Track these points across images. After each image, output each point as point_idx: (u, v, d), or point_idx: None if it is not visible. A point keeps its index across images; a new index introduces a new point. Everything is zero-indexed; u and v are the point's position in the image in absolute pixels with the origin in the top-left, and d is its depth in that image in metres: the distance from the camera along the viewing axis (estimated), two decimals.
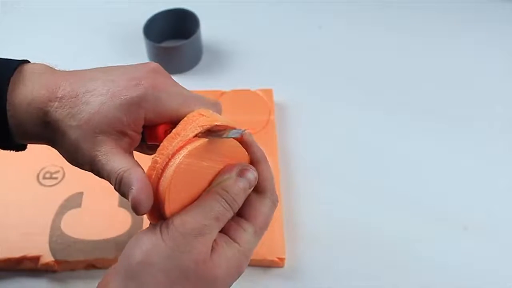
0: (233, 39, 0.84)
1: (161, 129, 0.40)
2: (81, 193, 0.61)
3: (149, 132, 0.40)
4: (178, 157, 0.37)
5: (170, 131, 0.38)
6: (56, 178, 0.63)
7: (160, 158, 0.37)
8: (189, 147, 0.37)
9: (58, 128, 0.38)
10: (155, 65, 0.42)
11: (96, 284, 0.37)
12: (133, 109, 0.38)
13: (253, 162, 0.41)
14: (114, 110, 0.38)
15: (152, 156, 0.37)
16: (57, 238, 0.58)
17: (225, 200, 0.38)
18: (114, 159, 0.37)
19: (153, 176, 0.37)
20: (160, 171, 0.37)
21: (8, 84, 0.39)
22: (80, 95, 0.38)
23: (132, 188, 0.36)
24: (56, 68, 0.42)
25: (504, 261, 0.57)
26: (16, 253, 0.56)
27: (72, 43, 0.84)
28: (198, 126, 0.38)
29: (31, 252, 0.57)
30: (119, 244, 0.57)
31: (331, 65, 0.79)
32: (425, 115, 0.71)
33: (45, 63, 0.42)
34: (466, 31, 0.83)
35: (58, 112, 0.38)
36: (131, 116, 0.38)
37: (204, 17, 0.79)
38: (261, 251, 0.56)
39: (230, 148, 0.40)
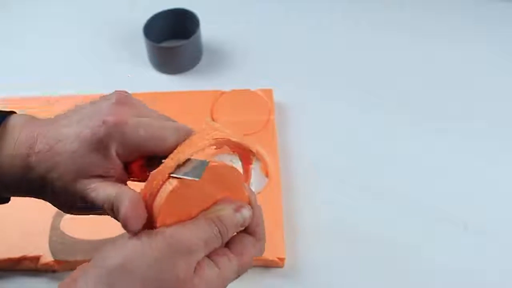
0: (233, 39, 0.84)
1: (135, 165, 0.40)
2: None
3: (128, 169, 0.40)
4: (175, 179, 0.36)
5: (146, 167, 0.39)
6: None
7: (158, 176, 0.37)
8: (167, 186, 0.37)
9: (44, 183, 0.39)
10: (120, 95, 0.41)
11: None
12: (102, 150, 0.38)
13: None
14: (86, 155, 0.38)
15: (151, 172, 0.37)
16: (57, 238, 0.58)
17: (218, 228, 0.38)
18: (103, 190, 0.37)
19: (148, 194, 0.37)
20: (156, 190, 0.37)
21: None
22: (54, 147, 0.38)
23: (121, 208, 0.35)
24: (37, 118, 0.42)
25: (504, 261, 0.57)
26: (16, 253, 0.56)
27: (72, 43, 0.85)
28: (204, 142, 0.38)
29: (31, 252, 0.57)
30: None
31: (331, 65, 0.79)
32: (425, 114, 0.71)
33: (27, 114, 0.42)
34: (466, 31, 0.83)
35: (38, 167, 0.39)
36: (104, 157, 0.38)
37: (204, 17, 0.79)
38: None
39: (231, 180, 0.40)
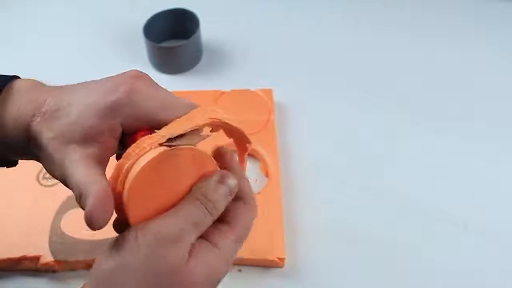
0: (233, 39, 0.84)
1: (140, 135, 0.38)
2: None
3: (128, 139, 0.39)
4: (141, 162, 0.35)
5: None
6: None
7: (125, 162, 0.35)
8: (152, 153, 0.35)
9: (38, 141, 0.38)
10: (137, 71, 0.40)
11: None
12: (108, 115, 0.37)
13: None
14: (90, 118, 0.37)
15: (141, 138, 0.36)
16: (57, 238, 0.58)
17: (205, 206, 0.37)
18: (79, 171, 0.36)
19: (118, 183, 0.36)
20: (124, 178, 0.35)
21: None
22: (62, 108, 0.38)
23: (87, 203, 0.34)
24: (45, 84, 0.42)
25: (504, 261, 0.57)
26: (16, 253, 0.56)
27: (72, 43, 0.85)
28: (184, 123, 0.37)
29: (31, 252, 0.57)
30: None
31: (331, 65, 0.79)
32: (425, 115, 0.71)
33: (34, 79, 0.42)
34: (466, 31, 0.83)
35: (39, 125, 0.38)
36: (106, 122, 0.37)
37: (204, 17, 0.79)
38: (261, 251, 0.56)
39: (199, 157, 0.38)
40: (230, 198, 0.38)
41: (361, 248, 0.58)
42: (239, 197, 0.39)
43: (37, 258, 0.56)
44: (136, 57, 0.81)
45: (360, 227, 0.60)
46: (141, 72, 0.40)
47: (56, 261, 0.56)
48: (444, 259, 0.57)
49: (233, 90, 0.72)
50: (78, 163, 0.36)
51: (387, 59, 0.80)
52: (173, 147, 0.36)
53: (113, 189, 0.36)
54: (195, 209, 0.36)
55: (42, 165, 0.40)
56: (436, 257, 0.58)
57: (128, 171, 0.35)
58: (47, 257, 0.56)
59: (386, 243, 0.59)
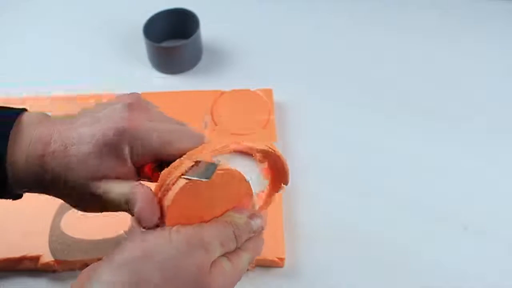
0: (233, 39, 0.84)
1: (147, 168, 0.41)
2: None
3: (140, 172, 0.41)
4: (171, 194, 0.37)
5: (158, 170, 0.39)
6: None
7: (170, 174, 0.38)
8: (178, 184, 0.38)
9: (57, 181, 0.40)
10: (132, 99, 0.42)
11: None
12: (115, 154, 0.39)
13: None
14: (99, 158, 0.39)
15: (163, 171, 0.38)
16: (57, 238, 0.58)
17: (234, 234, 0.40)
18: (118, 188, 0.39)
19: (160, 192, 0.38)
20: (167, 188, 0.38)
21: (7, 143, 0.40)
22: (68, 148, 0.39)
23: (137, 203, 0.37)
24: (50, 117, 0.43)
25: (504, 261, 0.57)
26: (16, 253, 0.56)
27: (72, 43, 0.85)
28: (215, 150, 0.40)
29: (31, 252, 0.57)
30: (119, 244, 0.57)
31: (331, 65, 0.79)
32: (425, 115, 0.71)
33: (40, 112, 0.43)
34: (466, 31, 0.83)
35: (52, 167, 0.40)
36: (117, 161, 0.40)
37: (204, 17, 0.79)
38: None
39: (238, 185, 0.41)
40: (252, 235, 0.42)
41: (361, 248, 0.58)
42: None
43: (37, 258, 0.56)
44: (136, 57, 0.81)
45: (360, 227, 0.60)
46: (137, 98, 0.43)
47: (56, 261, 0.56)
48: (444, 259, 0.57)
49: (233, 90, 0.72)
50: (113, 184, 0.39)
51: (387, 59, 0.80)
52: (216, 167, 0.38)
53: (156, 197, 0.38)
54: (227, 232, 0.39)
55: (63, 199, 0.43)
56: (436, 257, 0.58)
57: (172, 183, 0.38)
58: (47, 257, 0.56)
59: (386, 243, 0.59)
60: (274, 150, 0.42)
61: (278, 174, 0.45)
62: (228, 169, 0.39)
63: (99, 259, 0.55)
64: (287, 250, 0.57)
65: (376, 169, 0.66)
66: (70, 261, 0.57)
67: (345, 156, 0.67)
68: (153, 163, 0.41)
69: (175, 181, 0.37)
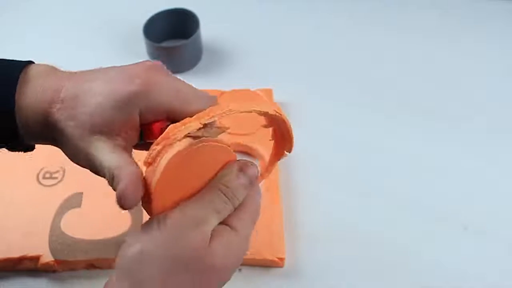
0: (233, 39, 0.84)
1: (156, 126, 0.39)
2: (81, 193, 0.61)
3: (146, 129, 0.40)
4: (169, 154, 0.36)
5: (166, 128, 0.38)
6: (56, 178, 0.63)
7: (155, 149, 0.37)
8: (179, 145, 0.37)
9: (59, 129, 0.39)
10: (154, 62, 0.42)
11: (95, 284, 0.38)
12: (126, 107, 0.38)
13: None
14: (109, 110, 0.38)
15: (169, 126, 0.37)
16: (57, 238, 0.58)
17: (225, 195, 0.38)
18: (109, 157, 0.37)
19: (159, 145, 0.37)
20: (173, 142, 0.37)
21: (16, 88, 0.39)
22: (80, 96, 0.38)
23: (120, 184, 0.36)
24: (59, 69, 0.43)
25: (504, 261, 0.57)
26: (16, 253, 0.56)
27: (72, 43, 0.84)
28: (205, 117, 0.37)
29: (31, 252, 0.57)
30: (119, 243, 0.56)
31: (331, 65, 0.79)
32: (425, 115, 0.71)
33: (48, 64, 0.43)
34: (466, 31, 0.83)
35: (59, 113, 0.38)
36: (125, 115, 0.38)
37: (204, 17, 0.79)
38: (261, 251, 0.56)
39: (223, 150, 0.40)
40: (250, 187, 0.40)
41: (361, 248, 0.58)
42: None
43: (37, 258, 0.56)
44: (136, 57, 0.80)
45: (360, 227, 0.60)
46: (158, 63, 0.42)
47: (56, 261, 0.56)
48: (444, 259, 0.57)
49: (233, 90, 0.72)
50: (106, 150, 0.38)
51: (387, 59, 0.80)
52: (199, 140, 0.37)
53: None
54: (217, 197, 0.38)
55: (62, 151, 0.41)
56: (436, 257, 0.58)
57: (177, 139, 0.36)
58: (47, 257, 0.56)
59: (386, 243, 0.59)
60: (280, 114, 0.41)
61: (282, 140, 0.44)
62: (217, 142, 0.38)
63: (99, 259, 0.56)
64: (287, 250, 0.57)
65: (376, 169, 0.66)
66: (70, 261, 0.57)
67: (345, 156, 0.67)
68: (163, 122, 0.39)
69: (181, 139, 0.37)
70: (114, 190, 0.37)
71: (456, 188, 0.63)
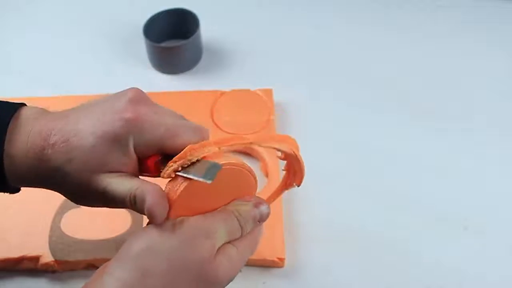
0: (233, 39, 0.84)
1: (150, 161, 0.40)
2: None
3: (141, 165, 0.41)
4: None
5: (160, 162, 0.40)
6: None
7: (171, 166, 0.38)
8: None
9: (57, 174, 0.39)
10: (134, 93, 0.41)
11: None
12: (120, 146, 0.39)
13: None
14: (103, 150, 0.39)
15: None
16: (56, 238, 0.58)
17: (238, 221, 0.40)
18: (122, 184, 0.39)
19: (176, 164, 0.38)
20: (189, 163, 0.38)
21: (5, 135, 0.39)
22: (70, 140, 0.39)
23: (148, 199, 0.37)
24: (48, 111, 0.43)
25: (504, 261, 0.57)
26: (16, 253, 0.56)
27: (72, 43, 0.84)
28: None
29: (30, 252, 0.57)
30: (119, 244, 0.57)
31: (331, 65, 0.79)
32: (425, 115, 0.71)
33: (39, 107, 0.43)
34: (466, 31, 0.83)
35: (54, 160, 0.39)
36: (122, 153, 0.39)
37: (204, 17, 0.79)
38: (261, 251, 0.56)
39: (246, 179, 0.42)
40: (259, 224, 0.42)
41: (361, 248, 0.58)
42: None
43: (37, 258, 0.56)
44: (136, 57, 0.81)
45: (360, 227, 0.60)
46: (140, 92, 0.42)
47: (56, 261, 0.56)
48: (444, 259, 0.57)
49: (233, 90, 0.72)
50: (115, 180, 0.39)
51: (387, 59, 0.80)
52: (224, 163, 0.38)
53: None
54: (231, 220, 0.40)
55: (60, 193, 0.42)
56: (436, 257, 0.58)
57: (195, 159, 0.38)
58: (47, 257, 0.56)
59: (386, 243, 0.59)
60: (295, 153, 0.43)
61: (293, 174, 0.46)
62: (238, 164, 0.40)
63: (99, 259, 0.56)
64: (287, 250, 0.57)
65: (376, 169, 0.66)
66: (70, 261, 0.57)
67: (345, 156, 0.67)
68: (156, 156, 0.40)
69: (200, 159, 0.38)
70: (138, 210, 0.38)
71: (456, 188, 0.63)
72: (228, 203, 0.41)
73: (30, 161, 0.39)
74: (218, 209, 0.40)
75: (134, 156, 0.40)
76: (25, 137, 0.39)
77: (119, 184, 0.39)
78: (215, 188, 0.39)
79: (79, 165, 0.38)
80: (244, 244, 0.41)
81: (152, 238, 0.37)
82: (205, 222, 0.38)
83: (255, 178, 0.42)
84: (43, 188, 0.42)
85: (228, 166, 0.39)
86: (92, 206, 0.42)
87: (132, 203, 0.38)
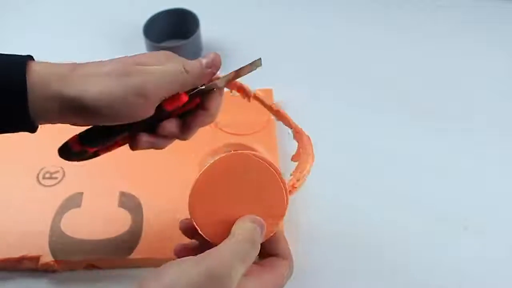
0: (233, 39, 0.84)
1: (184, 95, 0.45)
2: (81, 193, 0.61)
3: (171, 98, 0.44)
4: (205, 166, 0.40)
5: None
6: (56, 178, 0.63)
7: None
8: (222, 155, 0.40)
9: (87, 82, 0.43)
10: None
11: (95, 284, 0.37)
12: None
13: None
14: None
15: None
16: (57, 238, 0.58)
17: (249, 244, 0.39)
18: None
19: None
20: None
21: (25, 68, 0.41)
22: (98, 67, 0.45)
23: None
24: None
25: (504, 261, 0.57)
26: (16, 253, 0.56)
27: (72, 43, 0.84)
28: None
29: (31, 252, 0.57)
30: (118, 244, 0.57)
31: (331, 65, 0.79)
32: (425, 115, 0.71)
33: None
34: (466, 31, 0.83)
35: (73, 83, 0.43)
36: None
37: (204, 17, 0.79)
38: None
39: (273, 186, 0.41)
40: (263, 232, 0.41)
41: (361, 248, 0.58)
42: (277, 254, 0.43)
43: (37, 258, 0.56)
44: None
45: (360, 227, 0.60)
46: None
47: (56, 261, 0.56)
48: (444, 259, 0.57)
49: (233, 90, 0.72)
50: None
51: (387, 59, 0.80)
52: (237, 151, 0.40)
53: None
54: (241, 247, 0.39)
55: (85, 116, 0.43)
56: (436, 257, 0.58)
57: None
58: (47, 257, 0.56)
59: (385, 243, 0.59)
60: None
61: (305, 154, 0.47)
62: (265, 160, 0.40)
63: (99, 259, 0.56)
64: None
65: (376, 169, 0.66)
66: (70, 261, 0.57)
67: (345, 156, 0.67)
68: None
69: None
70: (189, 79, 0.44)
71: (456, 188, 0.63)
72: (253, 207, 0.41)
73: (51, 88, 0.42)
74: (226, 239, 0.39)
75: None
76: (43, 71, 0.43)
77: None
78: (240, 181, 0.39)
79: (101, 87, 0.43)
80: (267, 279, 0.40)
81: (167, 281, 0.36)
82: (220, 260, 0.37)
83: (286, 191, 0.42)
84: (61, 120, 0.43)
85: (260, 159, 0.40)
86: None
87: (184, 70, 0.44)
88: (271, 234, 0.42)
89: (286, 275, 0.42)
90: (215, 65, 0.47)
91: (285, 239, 0.45)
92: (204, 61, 0.46)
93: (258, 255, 0.40)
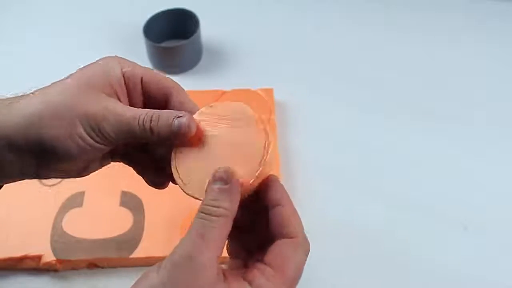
0: (233, 39, 0.84)
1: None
2: (83, 193, 0.62)
3: None
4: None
5: None
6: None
7: None
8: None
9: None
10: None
11: (97, 283, 0.37)
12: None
13: (275, 203, 0.38)
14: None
15: None
16: (58, 237, 0.58)
17: (203, 213, 0.33)
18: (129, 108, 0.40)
19: None
20: None
21: None
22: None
23: (180, 116, 0.39)
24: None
25: (504, 261, 0.58)
26: (18, 252, 0.57)
27: (72, 43, 0.84)
28: None
29: (32, 251, 0.57)
30: (120, 243, 0.57)
31: (331, 65, 0.79)
32: (425, 115, 0.71)
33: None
34: (466, 31, 0.83)
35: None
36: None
37: (204, 17, 0.79)
38: None
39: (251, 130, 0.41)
40: (227, 187, 0.34)
41: (361, 248, 0.59)
42: (285, 234, 0.36)
43: (38, 257, 0.57)
44: (136, 57, 0.79)
45: (360, 227, 0.60)
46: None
47: (57, 260, 0.56)
48: (444, 259, 0.57)
49: (234, 90, 0.72)
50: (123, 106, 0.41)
51: (387, 59, 0.80)
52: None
53: None
54: (196, 222, 0.33)
55: (53, 159, 0.39)
56: (436, 257, 0.58)
57: None
58: (49, 256, 0.57)
59: (385, 243, 0.59)
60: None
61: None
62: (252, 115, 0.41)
63: (100, 258, 0.56)
64: None
65: (376, 169, 0.66)
66: (71, 260, 0.57)
67: (345, 156, 0.67)
68: None
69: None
70: (154, 131, 0.38)
71: (456, 188, 0.64)
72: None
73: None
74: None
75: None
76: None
77: (125, 108, 0.39)
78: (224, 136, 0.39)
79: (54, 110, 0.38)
80: (262, 282, 0.33)
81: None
82: (180, 247, 0.32)
83: (266, 131, 0.39)
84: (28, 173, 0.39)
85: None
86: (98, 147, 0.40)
87: (148, 122, 0.38)
88: (251, 182, 0.37)
89: (299, 261, 0.36)
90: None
91: (294, 213, 0.38)
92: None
93: (265, 237, 0.36)
